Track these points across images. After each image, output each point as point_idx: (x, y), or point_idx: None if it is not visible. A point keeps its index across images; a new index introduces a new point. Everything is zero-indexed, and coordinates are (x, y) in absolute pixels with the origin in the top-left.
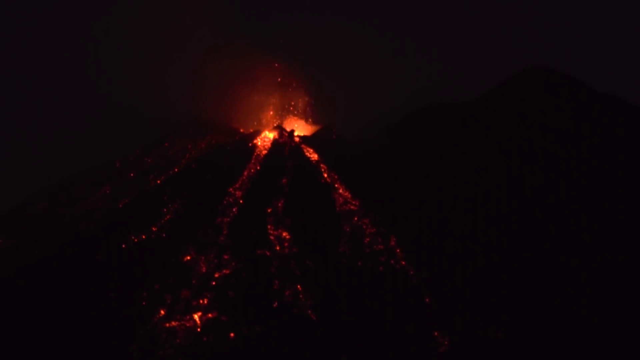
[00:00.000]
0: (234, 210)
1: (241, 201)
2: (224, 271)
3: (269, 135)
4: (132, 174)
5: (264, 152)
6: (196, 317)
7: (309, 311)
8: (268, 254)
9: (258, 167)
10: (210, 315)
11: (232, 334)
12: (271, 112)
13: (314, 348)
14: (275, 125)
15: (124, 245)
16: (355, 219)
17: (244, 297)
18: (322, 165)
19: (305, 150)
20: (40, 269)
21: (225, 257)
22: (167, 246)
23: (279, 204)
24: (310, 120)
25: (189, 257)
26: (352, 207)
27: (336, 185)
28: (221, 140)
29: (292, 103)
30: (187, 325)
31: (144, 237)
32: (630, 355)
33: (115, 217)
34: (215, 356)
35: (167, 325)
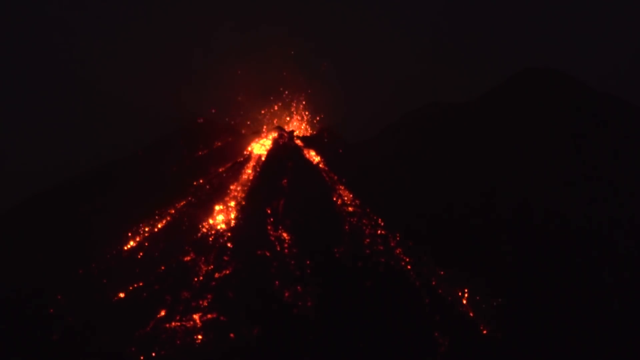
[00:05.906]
0: (234, 210)
1: (241, 201)
2: (224, 271)
3: (269, 135)
4: (132, 175)
5: (264, 152)
6: (196, 317)
7: (309, 311)
8: (268, 254)
9: (258, 168)
10: (210, 315)
11: (232, 334)
12: (271, 113)
13: (314, 348)
14: (275, 125)
15: (124, 246)
16: (355, 219)
17: (244, 298)
18: (322, 165)
19: (305, 151)
20: (41, 269)
21: (225, 257)
22: (167, 246)
23: (279, 204)
24: (310, 120)
25: (189, 258)
26: (352, 207)
27: (336, 186)
28: (221, 141)
29: (293, 104)
30: (187, 325)
31: (143, 237)
32: (630, 355)
33: (115, 217)
34: (215, 356)
35: (167, 325)
